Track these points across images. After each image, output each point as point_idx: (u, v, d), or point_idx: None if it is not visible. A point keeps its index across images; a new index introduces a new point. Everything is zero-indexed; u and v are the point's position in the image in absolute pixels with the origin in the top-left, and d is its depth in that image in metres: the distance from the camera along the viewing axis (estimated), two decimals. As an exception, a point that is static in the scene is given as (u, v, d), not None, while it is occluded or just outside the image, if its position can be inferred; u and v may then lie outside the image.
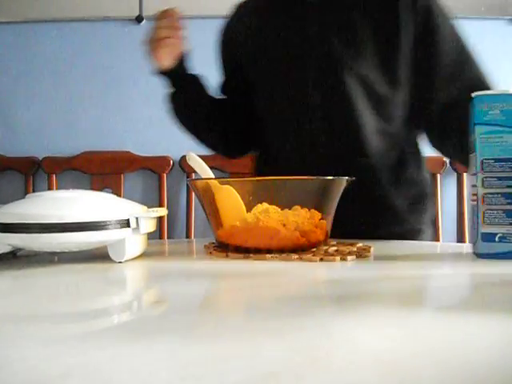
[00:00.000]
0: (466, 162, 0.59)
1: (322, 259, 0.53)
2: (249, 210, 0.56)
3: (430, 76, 0.80)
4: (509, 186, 0.52)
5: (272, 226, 0.54)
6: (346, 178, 0.57)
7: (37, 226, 0.48)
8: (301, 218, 0.55)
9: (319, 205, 0.57)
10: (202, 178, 0.62)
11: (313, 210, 0.56)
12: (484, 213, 0.52)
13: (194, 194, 1.53)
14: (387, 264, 0.52)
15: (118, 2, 1.62)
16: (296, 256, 0.53)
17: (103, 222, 0.50)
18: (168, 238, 1.56)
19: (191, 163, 0.64)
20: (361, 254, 0.55)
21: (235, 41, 0.92)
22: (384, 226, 0.82)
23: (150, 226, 0.55)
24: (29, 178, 1.61)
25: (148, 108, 1.63)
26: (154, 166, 1.61)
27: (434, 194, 1.58)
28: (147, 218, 0.54)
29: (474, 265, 0.52)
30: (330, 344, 0.26)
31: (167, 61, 0.86)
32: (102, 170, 1.59)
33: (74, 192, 0.55)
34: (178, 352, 0.25)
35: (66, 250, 0.53)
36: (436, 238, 1.55)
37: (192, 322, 0.31)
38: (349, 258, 0.53)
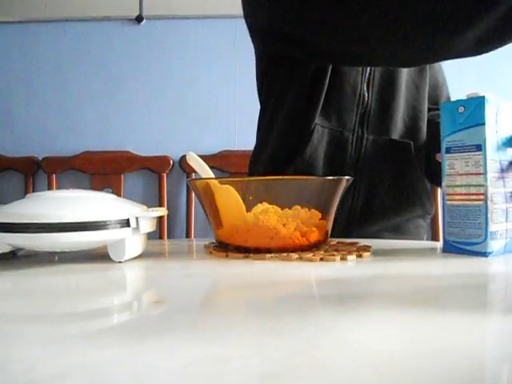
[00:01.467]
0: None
1: (322, 259, 0.53)
2: (249, 209, 0.56)
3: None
4: (502, 186, 0.56)
5: (272, 225, 0.54)
6: (346, 177, 0.58)
7: (37, 225, 0.48)
8: (301, 218, 0.55)
9: (319, 205, 0.57)
10: (202, 178, 0.62)
11: (313, 210, 0.56)
12: (492, 212, 0.54)
13: (193, 193, 1.53)
14: (387, 264, 0.52)
15: (118, 2, 1.62)
16: (296, 256, 0.53)
17: (103, 221, 0.50)
18: (168, 238, 1.56)
19: (191, 163, 0.64)
20: (361, 254, 0.55)
21: None
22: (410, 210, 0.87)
23: (149, 225, 0.55)
24: (29, 178, 1.61)
25: (148, 108, 1.63)
26: (154, 166, 1.61)
27: (434, 194, 1.59)
28: (147, 217, 0.54)
29: (474, 264, 0.52)
30: (330, 344, 0.26)
31: None
32: (102, 170, 1.59)
33: (74, 192, 0.55)
34: (178, 352, 0.25)
35: (66, 250, 0.53)
36: (436, 238, 1.55)
37: (192, 321, 0.31)
38: (349, 257, 0.53)
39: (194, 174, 1.55)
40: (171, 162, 1.60)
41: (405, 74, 0.84)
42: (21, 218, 0.49)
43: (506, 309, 0.34)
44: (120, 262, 0.52)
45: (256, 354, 0.24)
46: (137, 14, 1.62)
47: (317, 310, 0.33)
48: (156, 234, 1.53)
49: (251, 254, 0.54)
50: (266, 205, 0.56)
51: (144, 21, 1.62)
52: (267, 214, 0.55)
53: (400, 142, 0.83)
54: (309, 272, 0.48)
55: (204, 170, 0.63)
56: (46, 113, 1.64)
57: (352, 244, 0.62)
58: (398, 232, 0.87)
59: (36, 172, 1.62)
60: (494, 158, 0.54)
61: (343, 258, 0.53)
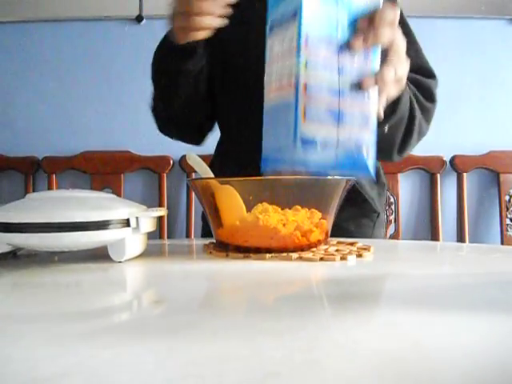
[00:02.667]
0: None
1: (322, 259, 0.53)
2: (249, 209, 0.56)
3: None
4: (333, 76, 0.39)
5: (272, 225, 0.54)
6: (346, 177, 0.57)
7: (37, 225, 0.48)
8: (301, 218, 0.55)
9: (319, 205, 0.57)
10: (202, 178, 0.62)
11: (313, 210, 0.56)
12: (305, 107, 0.38)
13: (194, 193, 1.53)
14: (387, 264, 0.52)
15: (118, 2, 1.62)
16: (296, 256, 0.53)
17: (103, 221, 0.50)
18: (168, 237, 1.56)
19: (191, 163, 0.64)
20: (361, 254, 0.55)
21: None
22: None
23: (149, 225, 0.55)
24: (29, 178, 1.61)
25: (148, 108, 1.63)
26: (154, 166, 1.61)
27: (434, 194, 1.59)
28: (147, 217, 0.54)
29: (474, 264, 0.52)
30: (330, 344, 0.26)
31: (188, 37, 0.65)
32: (102, 170, 1.59)
33: (74, 192, 0.55)
34: (178, 352, 0.25)
35: (66, 250, 0.53)
36: (436, 238, 1.55)
37: (192, 321, 0.31)
38: (349, 257, 0.53)
39: (193, 174, 1.54)
40: (171, 161, 1.60)
41: None
42: (21, 218, 0.49)
43: (506, 309, 0.34)
44: (120, 262, 0.52)
45: (256, 353, 0.24)
46: (137, 14, 1.62)
47: (317, 309, 0.33)
48: (156, 234, 1.53)
49: (251, 254, 0.54)
50: (265, 205, 0.55)
51: (144, 21, 1.62)
52: (267, 214, 0.55)
53: None
54: (309, 272, 0.48)
55: (204, 170, 0.63)
56: (46, 113, 1.64)
57: (352, 244, 0.62)
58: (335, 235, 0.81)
59: (36, 172, 1.62)
60: (322, 33, 0.38)
61: (343, 258, 0.53)
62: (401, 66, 0.48)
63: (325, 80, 0.38)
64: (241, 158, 0.74)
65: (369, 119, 0.40)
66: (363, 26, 0.41)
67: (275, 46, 0.40)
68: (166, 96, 0.80)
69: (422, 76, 0.78)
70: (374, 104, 0.41)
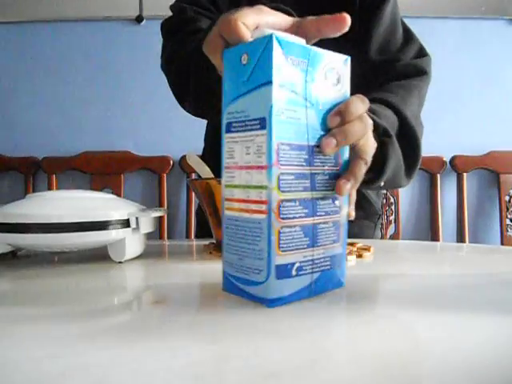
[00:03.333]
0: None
1: (322, 259, 0.52)
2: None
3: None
4: (306, 190, 0.35)
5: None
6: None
7: (37, 225, 0.48)
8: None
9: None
10: (202, 178, 0.62)
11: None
12: (280, 232, 0.33)
13: (193, 193, 1.53)
14: (387, 264, 0.52)
15: (118, 2, 1.62)
16: (296, 256, 0.53)
17: (103, 221, 0.50)
18: (168, 238, 1.56)
19: (191, 163, 0.64)
20: (361, 254, 0.55)
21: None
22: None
23: (149, 225, 0.55)
24: (29, 178, 1.61)
25: (148, 108, 1.63)
26: (154, 166, 1.61)
27: (434, 194, 1.59)
28: (147, 217, 0.54)
29: (474, 264, 0.52)
30: (330, 344, 0.26)
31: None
32: (102, 170, 1.59)
33: (74, 192, 0.55)
34: (178, 352, 0.25)
35: (66, 250, 0.53)
36: (436, 238, 1.55)
37: (192, 321, 0.31)
38: (349, 257, 0.53)
39: (193, 174, 1.55)
40: (171, 162, 1.60)
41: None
42: (21, 218, 0.49)
43: (506, 309, 0.34)
44: (120, 262, 0.52)
45: (256, 354, 0.24)
46: (137, 14, 1.62)
47: (317, 310, 0.33)
48: (156, 234, 1.53)
49: (251, 254, 0.54)
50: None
51: (144, 21, 1.62)
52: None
53: None
54: (309, 272, 0.48)
55: (204, 170, 0.63)
56: (46, 113, 1.64)
57: (352, 244, 0.62)
58: None
59: (36, 172, 1.62)
60: (292, 140, 0.34)
61: (343, 258, 0.53)
62: (370, 154, 0.43)
63: (298, 197, 0.34)
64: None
65: (339, 230, 0.38)
66: (334, 124, 0.36)
67: (236, 151, 0.35)
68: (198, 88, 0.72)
69: (410, 78, 0.75)
70: (344, 208, 0.38)
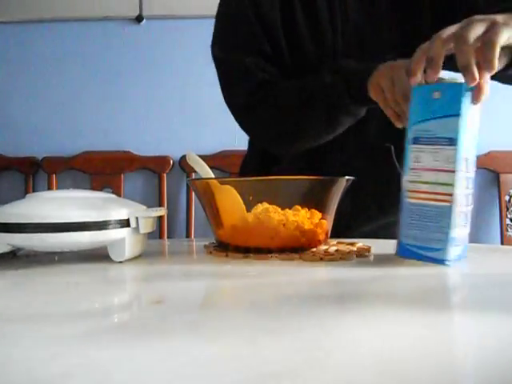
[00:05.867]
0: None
1: (322, 259, 0.53)
2: (249, 209, 0.56)
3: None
4: (468, 188, 0.50)
5: (272, 226, 0.54)
6: (346, 177, 0.57)
7: (37, 225, 0.48)
8: (301, 218, 0.55)
9: (319, 205, 0.57)
10: (202, 178, 0.62)
11: (313, 210, 0.56)
12: (456, 215, 0.48)
13: (194, 193, 1.53)
14: (387, 264, 0.52)
15: (118, 2, 1.62)
16: (296, 256, 0.53)
17: (103, 221, 0.50)
18: (168, 237, 1.56)
19: (191, 163, 0.64)
20: (361, 254, 0.55)
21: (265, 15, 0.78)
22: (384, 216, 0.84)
23: (149, 225, 0.55)
24: (29, 178, 1.61)
25: (148, 108, 1.63)
26: (154, 166, 1.61)
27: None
28: (147, 217, 0.54)
29: (474, 264, 0.52)
30: (330, 344, 0.26)
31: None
32: (102, 170, 1.59)
33: (74, 192, 0.55)
34: (178, 352, 0.25)
35: (66, 250, 0.53)
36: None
37: (192, 321, 0.31)
38: (349, 257, 0.53)
39: (193, 174, 1.54)
40: (171, 161, 1.60)
41: None
42: (21, 218, 0.49)
43: (504, 309, 0.34)
44: (120, 262, 0.52)
45: (256, 354, 0.24)
46: (137, 14, 1.62)
47: (317, 309, 0.33)
48: (156, 234, 1.53)
49: (251, 254, 0.54)
50: (265, 205, 0.55)
51: (144, 21, 1.62)
52: (267, 214, 0.55)
53: (380, 144, 0.80)
54: (309, 272, 0.48)
55: (204, 170, 0.63)
56: (46, 113, 1.64)
57: (352, 244, 0.62)
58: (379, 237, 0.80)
59: (36, 172, 1.62)
60: (464, 155, 0.48)
61: (343, 258, 0.53)
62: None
63: (466, 192, 0.49)
64: (312, 156, 0.78)
65: (468, 217, 0.50)
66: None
67: (423, 158, 0.49)
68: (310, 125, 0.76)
69: None
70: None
